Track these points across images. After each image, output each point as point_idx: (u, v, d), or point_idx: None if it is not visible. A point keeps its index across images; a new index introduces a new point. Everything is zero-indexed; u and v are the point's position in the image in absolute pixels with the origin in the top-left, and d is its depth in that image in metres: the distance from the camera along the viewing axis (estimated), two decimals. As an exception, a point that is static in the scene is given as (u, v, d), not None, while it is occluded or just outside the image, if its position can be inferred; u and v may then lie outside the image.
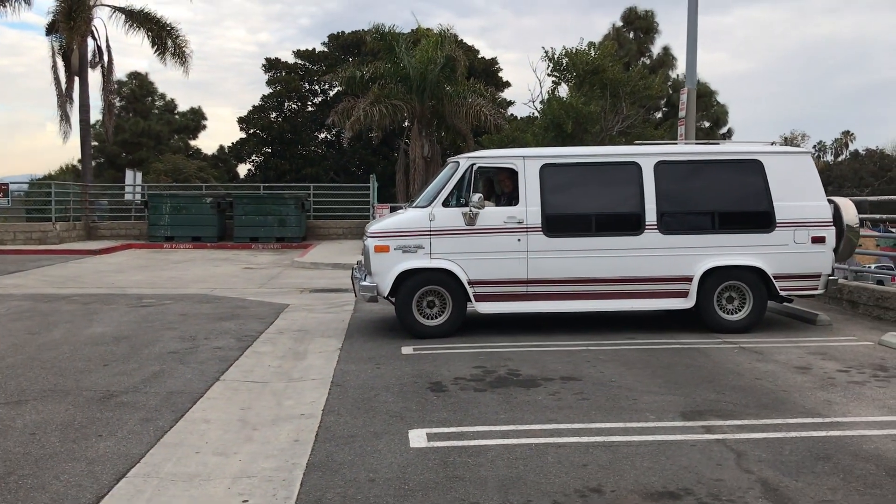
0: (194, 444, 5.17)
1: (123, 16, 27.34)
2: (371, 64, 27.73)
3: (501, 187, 9.26)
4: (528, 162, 8.91)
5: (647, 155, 9.02)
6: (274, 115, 51.26)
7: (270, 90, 50.79)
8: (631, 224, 8.89)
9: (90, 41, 27.10)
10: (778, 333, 8.96)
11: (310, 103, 51.01)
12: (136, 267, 17.34)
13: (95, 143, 49.18)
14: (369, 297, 8.91)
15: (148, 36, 27.56)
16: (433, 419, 5.66)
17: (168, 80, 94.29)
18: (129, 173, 29.34)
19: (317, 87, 50.17)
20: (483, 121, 26.55)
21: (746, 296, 8.96)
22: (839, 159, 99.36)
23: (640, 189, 8.88)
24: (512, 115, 40.65)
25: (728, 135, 36.84)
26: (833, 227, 9.01)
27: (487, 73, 48.59)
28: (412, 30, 28.61)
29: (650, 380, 6.80)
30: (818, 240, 8.92)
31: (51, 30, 26.71)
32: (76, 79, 26.78)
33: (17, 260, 18.20)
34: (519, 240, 8.78)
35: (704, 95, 36.51)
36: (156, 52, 27.87)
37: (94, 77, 28.51)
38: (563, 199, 8.97)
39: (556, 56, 25.87)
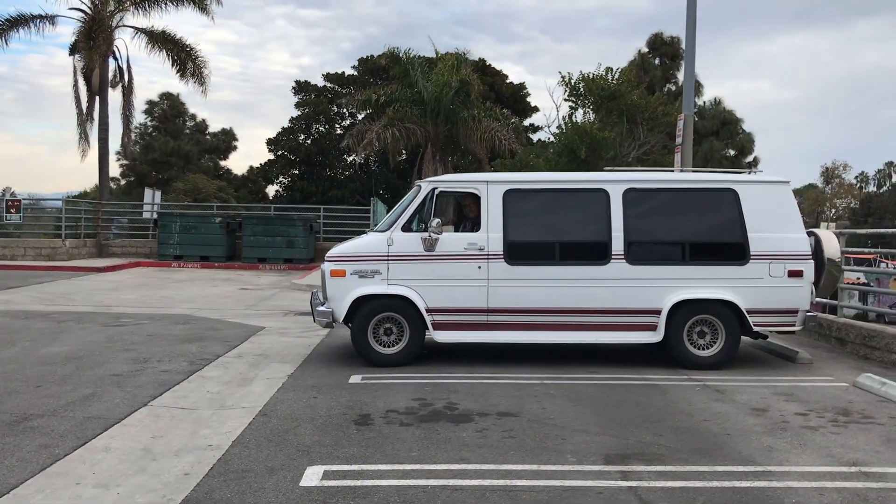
0: (80, 474, 4.95)
1: (146, 37, 27.71)
2: (387, 87, 27.71)
3: (465, 212, 8.99)
4: (491, 187, 8.65)
5: (615, 182, 8.70)
6: (302, 137, 51.69)
7: (299, 112, 51.30)
8: (597, 253, 8.54)
9: (111, 61, 27.51)
10: (751, 371, 8.52)
11: (338, 126, 51.34)
12: (133, 285, 17.34)
13: (126, 163, 50.31)
14: (325, 322, 8.68)
15: (168, 57, 27.91)
16: (340, 455, 5.39)
17: (211, 102, 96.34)
18: (147, 192, 29.65)
19: (345, 110, 50.48)
20: (498, 145, 26.33)
21: (718, 331, 8.55)
22: (881, 190, 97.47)
23: (607, 217, 8.55)
24: (539, 140, 40.38)
25: (754, 163, 36.14)
26: (812, 261, 8.57)
27: (515, 98, 48.58)
28: (437, 55, 28.52)
29: (591, 418, 6.45)
30: (795, 273, 8.48)
31: (74, 49, 27.15)
32: (97, 98, 27.15)
33: (21, 276, 18.32)
34: (479, 267, 8.49)
35: (730, 123, 35.90)
36: (177, 72, 28.21)
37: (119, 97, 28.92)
38: (527, 226, 8.68)
39: (572, 81, 25.63)
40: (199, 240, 22.90)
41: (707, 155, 32.73)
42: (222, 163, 56.34)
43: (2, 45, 26.19)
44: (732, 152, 35.62)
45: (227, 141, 57.19)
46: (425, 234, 8.46)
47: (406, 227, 8.59)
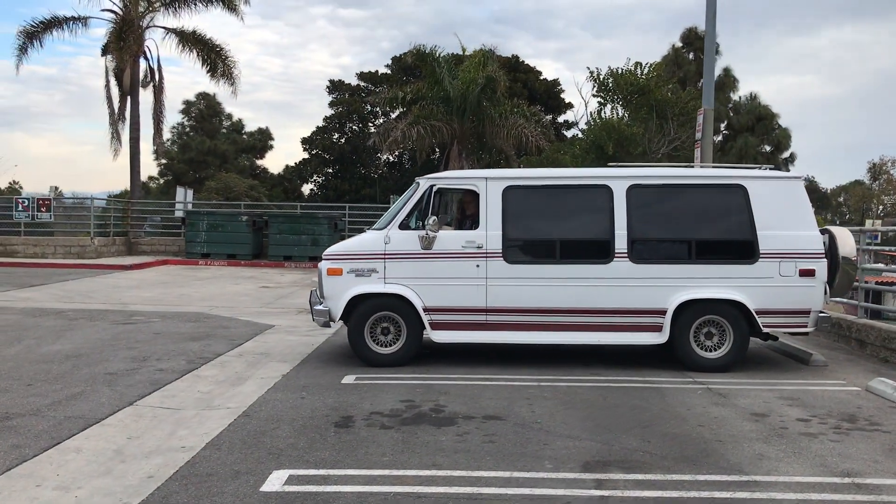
0: (44, 476, 4.88)
1: (176, 37, 27.98)
2: (413, 85, 27.58)
3: (465, 210, 8.81)
4: (490, 183, 8.45)
5: (618, 178, 8.44)
6: (336, 136, 51.87)
7: (332, 111, 51.49)
8: (599, 251, 8.30)
9: (143, 62, 27.83)
10: (759, 374, 8.21)
11: (371, 125, 51.35)
12: (155, 283, 17.47)
13: (164, 161, 51.02)
14: (323, 321, 8.57)
15: (199, 57, 28.14)
16: (310, 459, 5.25)
17: (253, 102, 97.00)
18: (179, 190, 29.96)
19: (377, 109, 50.48)
20: (524, 142, 26.05)
21: (726, 332, 8.25)
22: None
23: (610, 214, 8.30)
24: (574, 135, 39.93)
25: (790, 159, 35.29)
26: (824, 260, 8.22)
27: (549, 95, 48.07)
28: (464, 51, 28.26)
29: (580, 422, 6.23)
30: (807, 273, 8.14)
31: (106, 50, 27.51)
32: (129, 98, 27.48)
33: (47, 273, 18.59)
34: (478, 265, 8.30)
35: (766, 118, 35.06)
36: (207, 72, 28.46)
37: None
38: (527, 224, 8.47)
39: (601, 77, 25.25)
40: (225, 238, 23.07)
41: (742, 151, 32.05)
42: (259, 162, 56.83)
43: (37, 46, 26.66)
44: (768, 148, 34.83)
45: (263, 140, 57.64)
46: (422, 232, 8.31)
47: (403, 225, 8.45)
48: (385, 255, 8.36)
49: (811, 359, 8.71)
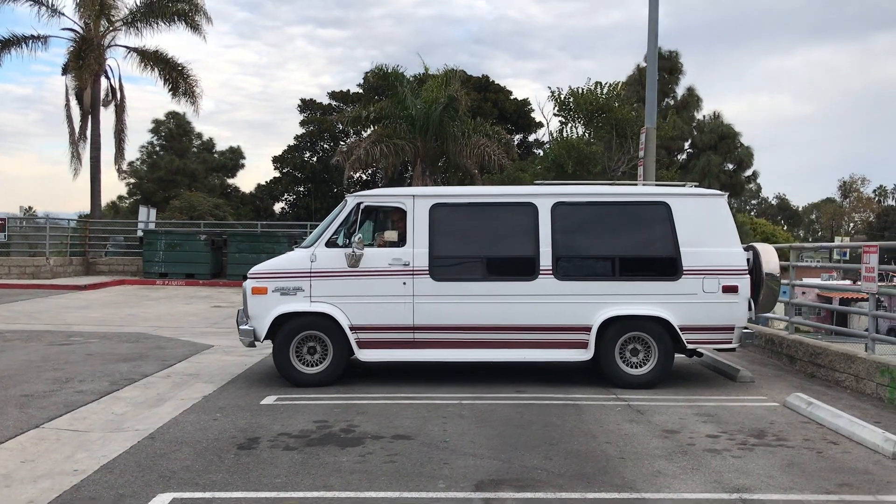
0: (-81, 501, 4.77)
1: (137, 56, 27.87)
2: (377, 104, 27.63)
3: (393, 227, 8.78)
4: (417, 201, 8.44)
5: (543, 195, 8.46)
6: (308, 154, 51.85)
7: (304, 130, 51.47)
8: (524, 269, 8.30)
9: (104, 80, 27.65)
10: (683, 390, 8.22)
11: (343, 143, 51.32)
12: (106, 303, 17.26)
13: (133, 181, 50.73)
14: (248, 342, 8.48)
15: (161, 75, 28.03)
16: (201, 482, 5.17)
17: (232, 121, 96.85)
18: (142, 210, 29.66)
19: (349, 128, 50.52)
20: (487, 160, 26.12)
21: (651, 348, 8.27)
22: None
23: (535, 231, 8.31)
24: (540, 153, 40.13)
25: (753, 177, 35.73)
26: (748, 276, 8.27)
27: (519, 114, 48.35)
28: (426, 70, 28.38)
29: (487, 441, 6.19)
30: (730, 289, 8.19)
31: (66, 69, 27.33)
32: (90, 117, 27.29)
33: (-3, 294, 18.32)
34: (405, 283, 8.27)
35: (728, 137, 35.49)
36: (169, 90, 28.34)
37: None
38: (454, 241, 8.46)
39: (561, 96, 25.42)
40: (183, 257, 22.86)
41: (705, 169, 32.40)
42: (230, 181, 56.60)
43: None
44: (731, 166, 35.22)
45: (234, 159, 57.38)
46: (349, 250, 8.26)
47: (331, 243, 8.40)
48: (311, 273, 8.31)
49: (738, 374, 8.74)
